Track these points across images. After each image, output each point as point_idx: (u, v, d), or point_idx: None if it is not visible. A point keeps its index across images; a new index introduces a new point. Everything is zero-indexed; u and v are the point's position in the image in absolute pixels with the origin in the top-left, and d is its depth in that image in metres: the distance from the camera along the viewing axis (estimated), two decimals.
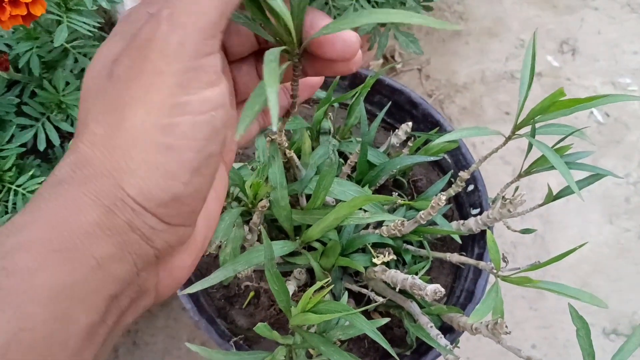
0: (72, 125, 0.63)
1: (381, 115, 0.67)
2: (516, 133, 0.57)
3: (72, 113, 0.63)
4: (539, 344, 1.01)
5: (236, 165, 0.59)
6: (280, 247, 0.55)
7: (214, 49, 0.29)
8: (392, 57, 1.19)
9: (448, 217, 0.73)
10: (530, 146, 0.62)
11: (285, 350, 0.53)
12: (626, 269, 1.08)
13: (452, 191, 0.62)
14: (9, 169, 0.59)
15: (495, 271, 0.60)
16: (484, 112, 1.15)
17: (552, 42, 1.25)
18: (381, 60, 1.17)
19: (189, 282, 0.60)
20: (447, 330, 0.62)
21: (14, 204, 0.58)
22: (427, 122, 0.71)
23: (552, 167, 0.64)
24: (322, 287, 0.56)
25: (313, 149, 0.65)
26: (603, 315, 1.05)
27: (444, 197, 0.57)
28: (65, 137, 0.69)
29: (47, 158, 0.65)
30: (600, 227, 1.11)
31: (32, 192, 0.58)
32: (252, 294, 0.65)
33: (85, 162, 0.26)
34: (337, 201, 0.65)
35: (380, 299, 0.59)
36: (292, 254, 0.62)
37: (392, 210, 0.66)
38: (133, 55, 0.28)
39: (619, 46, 1.28)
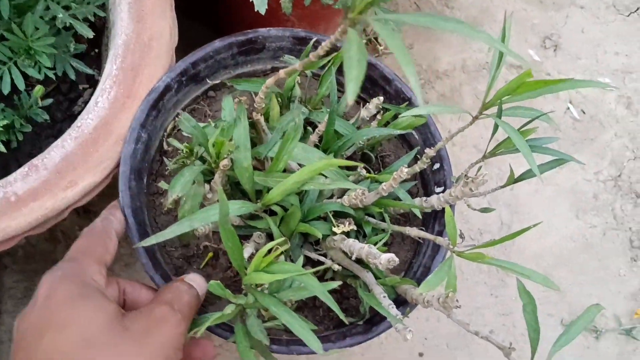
0: (39, 72, 0.62)
1: None
2: (483, 113, 0.57)
3: (40, 60, 0.62)
4: (497, 330, 1.02)
5: (201, 124, 0.59)
6: (238, 207, 0.55)
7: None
8: (376, 39, 1.19)
9: (413, 194, 0.73)
10: (495, 127, 0.62)
11: (235, 308, 0.54)
12: (589, 264, 1.10)
13: (417, 167, 0.62)
14: None
15: (451, 246, 0.60)
16: (462, 100, 1.16)
17: (535, 37, 1.26)
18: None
19: (146, 236, 0.60)
20: (401, 302, 0.62)
21: None
22: (399, 99, 0.71)
23: (518, 150, 0.65)
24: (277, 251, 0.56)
25: (282, 115, 0.65)
26: (563, 307, 1.07)
27: (405, 170, 0.57)
28: (33, 85, 0.68)
29: (13, 104, 0.65)
30: (567, 221, 1.12)
31: None
32: (210, 254, 0.65)
33: None
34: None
35: (337, 267, 0.59)
36: (253, 217, 0.62)
37: (356, 182, 0.66)
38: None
39: (602, 46, 1.29)
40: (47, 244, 0.91)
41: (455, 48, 1.22)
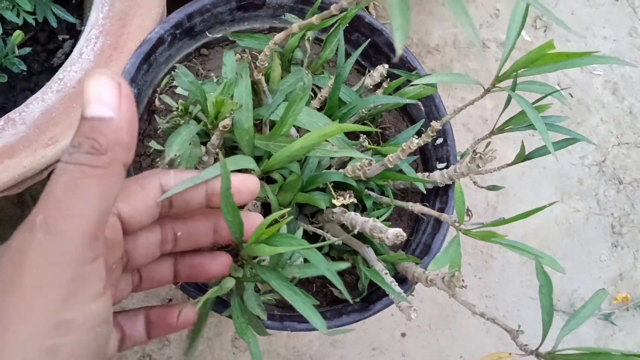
0: (17, 15, 0.56)
1: (357, 52, 0.63)
2: (496, 85, 0.54)
3: (20, 3, 0.56)
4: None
5: (200, 81, 0.54)
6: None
7: (98, 252, 0.26)
8: (367, 8, 1.15)
9: (413, 169, 0.70)
10: (508, 101, 0.60)
11: (233, 282, 0.50)
12: (572, 249, 1.10)
13: (421, 140, 0.59)
14: None
15: (457, 224, 0.58)
16: None
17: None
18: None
19: None
20: (401, 280, 0.59)
21: None
22: (404, 68, 0.68)
23: (528, 127, 0.62)
24: (277, 222, 0.53)
25: (282, 78, 0.61)
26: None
27: (415, 141, 0.54)
28: (9, 33, 0.62)
29: None
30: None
31: None
32: None
33: None
34: (302, 135, 0.61)
35: (339, 241, 0.56)
36: None
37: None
38: (8, 269, 0.25)
39: (591, 29, 1.28)
40: (15, 208, 0.85)
41: (447, 22, 1.18)
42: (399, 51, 0.27)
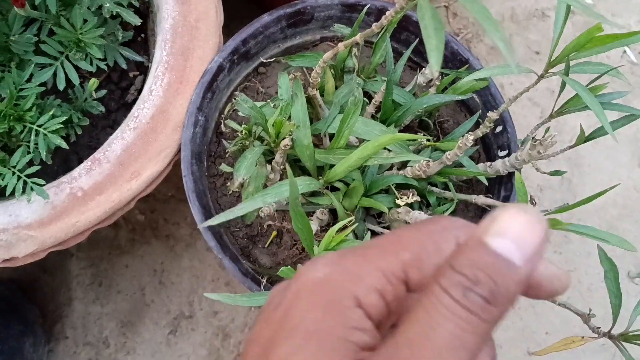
0: (91, 64, 0.62)
1: (408, 52, 0.64)
2: (549, 71, 0.55)
3: (91, 52, 0.61)
4: None
5: (258, 104, 0.58)
6: (307, 184, 0.54)
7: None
8: (446, 7, 1.15)
9: (474, 159, 0.71)
10: (563, 85, 0.59)
11: None
12: None
13: (479, 132, 0.60)
14: (29, 109, 0.59)
15: None
16: (514, 51, 1.11)
17: None
18: None
19: (209, 217, 0.60)
20: None
21: (36, 144, 0.58)
22: (456, 61, 0.69)
23: (585, 108, 0.61)
24: (345, 227, 0.56)
25: (336, 88, 0.64)
26: (629, 259, 1.04)
27: (471, 138, 0.55)
28: (85, 76, 0.68)
29: (68, 98, 0.65)
30: (629, 170, 1.08)
31: (53, 132, 0.58)
32: (274, 233, 0.65)
33: None
34: (361, 142, 0.63)
35: None
36: (315, 194, 0.62)
37: (417, 152, 0.64)
38: (281, 342, 0.22)
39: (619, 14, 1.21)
40: (109, 230, 0.93)
41: None
42: (435, 73, 0.29)
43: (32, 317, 0.82)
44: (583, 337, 0.50)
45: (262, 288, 0.58)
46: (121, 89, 0.71)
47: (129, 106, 0.70)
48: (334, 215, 0.64)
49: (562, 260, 1.02)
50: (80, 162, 0.62)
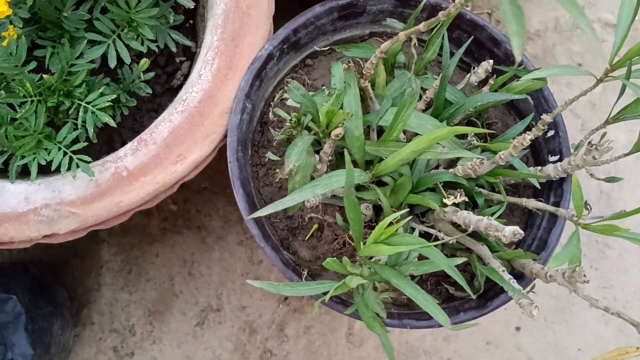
0: (142, 44, 0.62)
1: (461, 51, 0.63)
2: (609, 75, 0.53)
3: (143, 32, 0.61)
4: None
5: (311, 92, 0.57)
6: (357, 176, 0.53)
7: None
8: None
9: (523, 163, 0.69)
10: (622, 90, 0.58)
11: (359, 279, 0.52)
12: None
13: (533, 135, 0.58)
14: (79, 85, 0.58)
15: (576, 219, 0.57)
16: (556, 61, 1.09)
17: None
18: None
19: (253, 207, 0.59)
20: (517, 276, 0.59)
21: (84, 121, 0.58)
22: (509, 62, 0.67)
23: None
24: (390, 224, 0.54)
25: (387, 83, 0.63)
26: None
27: (528, 137, 0.54)
28: (132, 59, 0.67)
29: (116, 78, 0.64)
30: None
31: (102, 109, 0.58)
32: (315, 226, 0.64)
33: None
34: (409, 139, 0.62)
35: (451, 239, 0.56)
36: (360, 188, 0.60)
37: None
38: None
39: None
40: (141, 217, 0.92)
41: (547, 6, 1.15)
42: (518, 57, 0.28)
43: (61, 300, 0.81)
44: (638, 348, 0.48)
45: (303, 280, 0.57)
46: (167, 73, 0.70)
47: (174, 91, 0.69)
48: (377, 212, 0.63)
49: (597, 276, 0.99)
50: (123, 144, 0.61)
